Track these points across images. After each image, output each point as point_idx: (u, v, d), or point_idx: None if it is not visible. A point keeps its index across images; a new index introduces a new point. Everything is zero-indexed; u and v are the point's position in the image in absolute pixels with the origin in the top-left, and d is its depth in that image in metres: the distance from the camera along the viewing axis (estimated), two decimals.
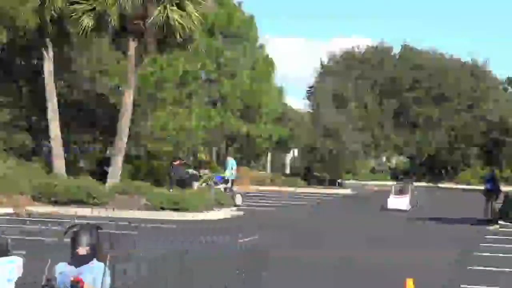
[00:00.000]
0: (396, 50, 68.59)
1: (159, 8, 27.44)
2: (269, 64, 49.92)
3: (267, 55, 50.80)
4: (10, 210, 24.18)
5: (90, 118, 34.19)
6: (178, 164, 33.90)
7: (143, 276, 13.07)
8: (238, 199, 30.69)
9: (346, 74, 63.84)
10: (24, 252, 14.87)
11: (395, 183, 40.69)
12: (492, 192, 27.05)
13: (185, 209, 24.70)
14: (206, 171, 36.39)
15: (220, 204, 27.17)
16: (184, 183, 31.95)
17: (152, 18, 27.51)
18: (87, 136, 35.72)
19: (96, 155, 36.02)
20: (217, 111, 45.44)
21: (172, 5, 27.61)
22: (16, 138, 32.59)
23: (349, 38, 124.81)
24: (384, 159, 71.42)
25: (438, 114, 64.41)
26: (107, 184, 27.55)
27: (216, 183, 30.91)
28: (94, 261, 6.41)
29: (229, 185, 31.69)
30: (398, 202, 31.80)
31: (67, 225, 7.09)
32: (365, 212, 31.40)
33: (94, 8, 27.36)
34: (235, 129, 46.58)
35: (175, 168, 33.61)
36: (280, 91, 53.59)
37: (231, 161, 32.36)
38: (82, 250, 6.38)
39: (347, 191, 46.33)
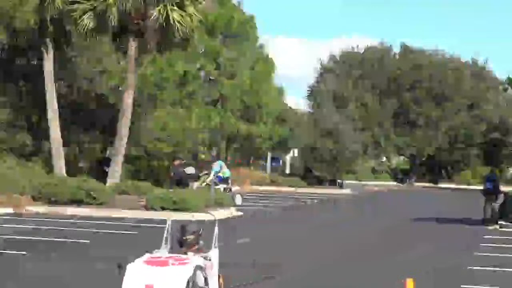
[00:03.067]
0: (396, 50, 68.69)
1: (159, 8, 27.44)
2: (269, 64, 49.90)
3: (267, 55, 50.80)
4: (10, 210, 24.17)
5: (90, 118, 34.15)
6: (178, 164, 33.89)
7: None
8: (238, 199, 30.73)
9: (346, 74, 63.86)
10: (24, 252, 14.96)
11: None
12: (491, 192, 27.01)
13: (185, 209, 24.66)
14: (206, 171, 36.35)
15: (220, 204, 27.15)
16: (184, 183, 31.95)
17: (152, 18, 27.52)
18: (87, 136, 35.69)
19: (96, 155, 35.99)
20: (217, 111, 45.43)
21: (172, 5, 27.61)
22: (16, 138, 32.55)
23: (349, 38, 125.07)
24: (384, 159, 71.39)
25: (438, 114, 64.39)
26: (107, 184, 27.54)
27: (216, 183, 30.93)
28: None
29: (229, 185, 31.80)
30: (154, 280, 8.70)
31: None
32: (364, 211, 31.39)
33: (94, 8, 27.36)
34: (235, 129, 46.57)
35: (175, 168, 33.61)
36: (280, 91, 53.59)
37: (219, 163, 32.57)
38: None
39: (347, 191, 46.33)
